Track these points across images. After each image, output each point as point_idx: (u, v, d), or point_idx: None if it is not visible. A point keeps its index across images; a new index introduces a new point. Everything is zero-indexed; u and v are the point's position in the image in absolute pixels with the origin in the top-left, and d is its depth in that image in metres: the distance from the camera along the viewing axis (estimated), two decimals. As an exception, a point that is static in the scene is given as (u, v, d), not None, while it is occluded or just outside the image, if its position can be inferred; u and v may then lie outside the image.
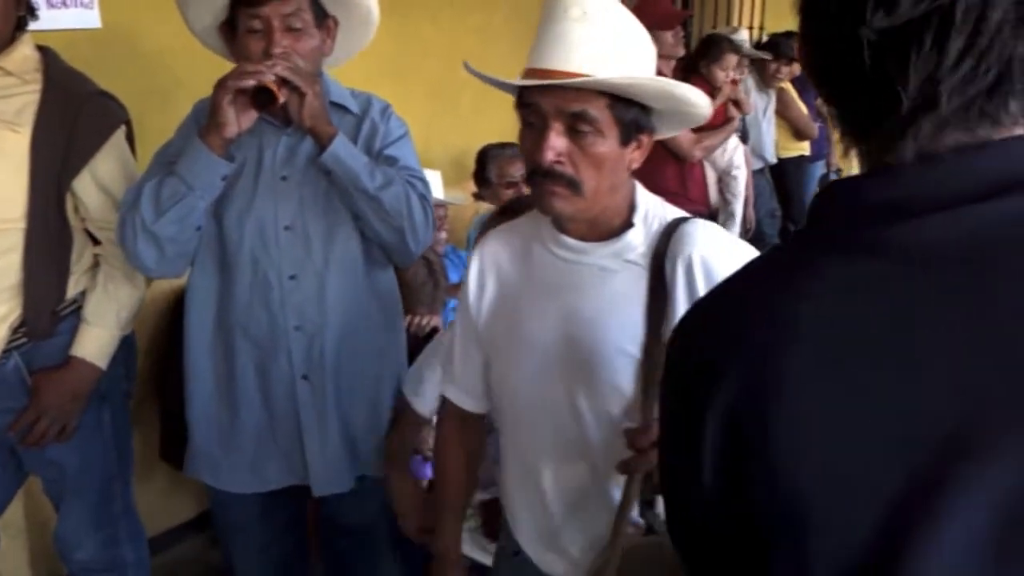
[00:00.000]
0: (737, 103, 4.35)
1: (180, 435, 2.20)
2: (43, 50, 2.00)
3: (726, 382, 0.74)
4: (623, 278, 1.46)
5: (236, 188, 1.98)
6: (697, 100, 1.45)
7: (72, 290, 2.05)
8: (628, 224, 1.48)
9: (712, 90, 4.26)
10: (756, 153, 5.14)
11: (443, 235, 3.27)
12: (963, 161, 0.68)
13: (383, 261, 2.11)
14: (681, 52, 4.30)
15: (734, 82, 4.37)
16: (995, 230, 0.66)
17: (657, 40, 4.42)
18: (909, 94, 0.67)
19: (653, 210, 1.51)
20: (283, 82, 1.83)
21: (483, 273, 1.61)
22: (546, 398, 1.51)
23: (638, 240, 1.47)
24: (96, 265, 2.11)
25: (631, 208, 1.49)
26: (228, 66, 1.90)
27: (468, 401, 1.69)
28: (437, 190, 3.10)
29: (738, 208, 4.54)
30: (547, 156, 1.36)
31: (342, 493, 2.12)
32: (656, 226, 1.48)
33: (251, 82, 1.80)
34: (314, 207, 1.99)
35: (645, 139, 1.45)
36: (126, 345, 2.19)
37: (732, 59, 4.35)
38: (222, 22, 1.95)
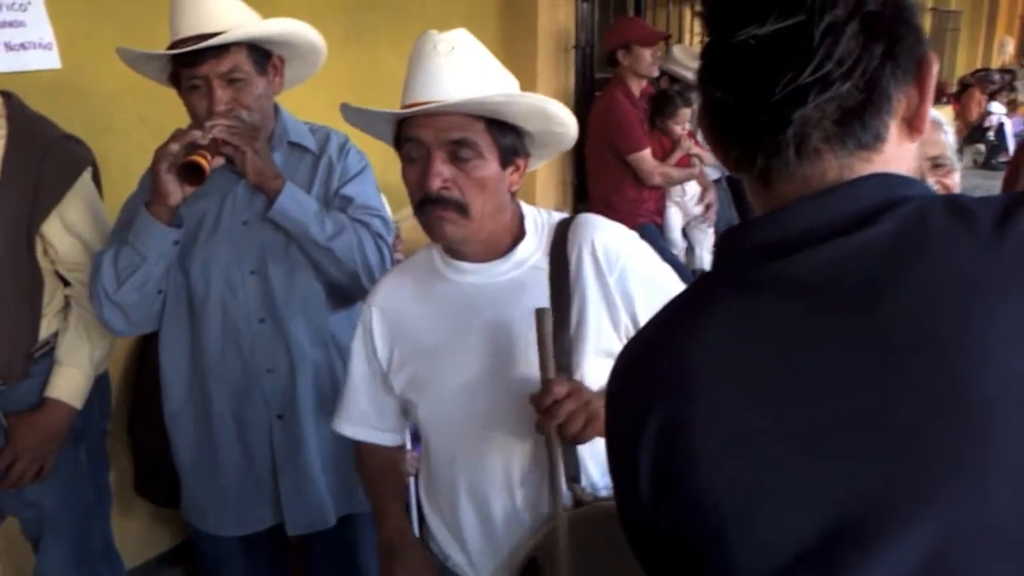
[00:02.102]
0: (698, 155, 4.56)
1: (154, 470, 2.22)
2: (6, 95, 2.02)
3: (652, 418, 0.83)
4: (534, 284, 1.52)
5: (199, 237, 2.00)
6: (566, 120, 1.53)
7: (45, 332, 2.08)
8: (521, 235, 1.55)
9: (671, 143, 4.46)
10: (713, 164, 5.23)
11: (399, 255, 3.30)
12: (835, 195, 0.79)
13: (348, 297, 2.14)
14: (656, 72, 4.43)
15: (691, 134, 4.58)
16: (865, 256, 0.75)
17: (637, 58, 4.56)
18: (780, 85, 0.77)
19: (538, 217, 1.59)
20: (224, 141, 1.84)
21: (385, 322, 1.64)
22: (488, 423, 1.54)
23: (534, 246, 1.55)
24: (67, 306, 2.13)
25: (520, 223, 1.57)
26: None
27: (385, 437, 1.72)
28: (387, 212, 3.15)
29: (705, 258, 4.70)
30: (434, 183, 1.42)
31: (325, 530, 2.14)
32: (546, 228, 1.56)
33: (179, 147, 1.81)
34: (275, 250, 2.01)
35: (522, 163, 1.53)
36: (100, 383, 2.21)
37: (685, 112, 4.55)
38: (170, 73, 1.96)
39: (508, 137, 1.48)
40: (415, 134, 1.44)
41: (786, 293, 0.78)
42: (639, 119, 4.36)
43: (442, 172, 1.43)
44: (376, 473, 1.74)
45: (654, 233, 4.46)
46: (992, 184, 8.05)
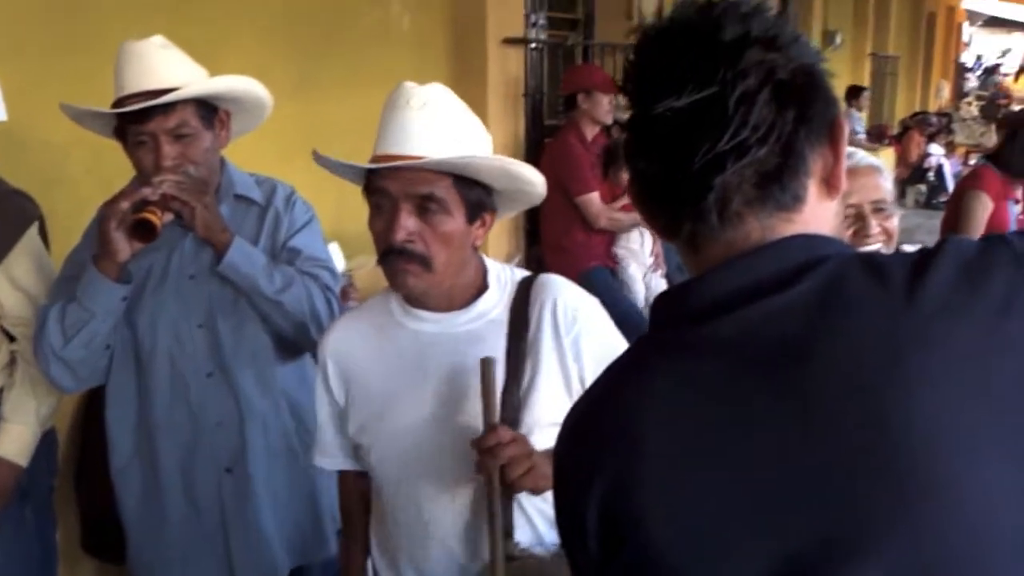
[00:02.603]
0: None
1: (101, 526, 2.18)
2: (-48, 150, 2.00)
3: (599, 479, 0.86)
4: (490, 337, 1.54)
5: (146, 291, 2.00)
6: (533, 179, 1.57)
7: (-10, 388, 2.04)
8: (483, 288, 1.58)
9: (621, 191, 4.52)
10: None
11: (353, 303, 3.30)
12: (759, 258, 0.82)
13: (296, 349, 2.13)
14: (611, 119, 4.52)
15: None
16: (791, 315, 0.79)
17: (595, 103, 4.62)
18: (698, 154, 0.81)
19: (503, 273, 1.62)
20: (173, 197, 1.85)
21: (338, 366, 1.65)
22: (435, 473, 1.55)
23: (495, 300, 1.58)
24: (13, 362, 2.10)
25: (483, 276, 1.59)
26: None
27: (352, 463, 1.72)
28: (339, 261, 3.16)
29: None
30: (399, 235, 1.45)
31: None
32: (509, 285, 1.59)
33: (129, 204, 1.81)
34: (223, 303, 2.01)
35: (488, 218, 1.55)
36: (47, 439, 2.17)
37: None
38: (115, 127, 1.96)
39: (475, 193, 1.50)
40: (383, 186, 1.47)
41: (718, 354, 0.81)
42: (591, 163, 4.43)
43: (407, 225, 1.45)
44: (348, 508, 1.76)
45: (606, 277, 4.50)
46: (933, 223, 8.26)
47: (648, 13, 5.42)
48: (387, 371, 1.59)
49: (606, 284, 4.48)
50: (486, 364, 1.45)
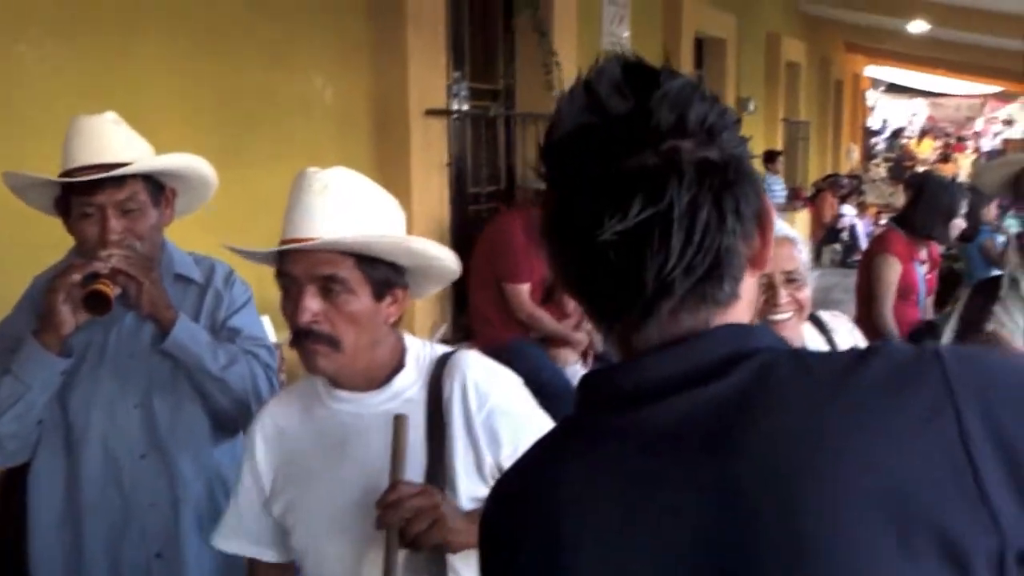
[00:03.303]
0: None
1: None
2: None
3: (521, 557, 0.86)
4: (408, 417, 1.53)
5: (81, 370, 1.95)
6: (439, 254, 1.59)
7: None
8: (400, 367, 1.58)
9: (565, 313, 4.56)
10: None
11: (283, 376, 3.26)
12: (689, 348, 0.81)
13: (233, 428, 2.10)
14: None
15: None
16: (717, 408, 0.78)
17: None
18: (648, 283, 0.79)
19: (421, 350, 1.62)
20: (118, 271, 1.83)
21: (268, 445, 1.64)
22: (356, 555, 1.53)
23: (412, 379, 1.58)
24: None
25: (400, 354, 1.60)
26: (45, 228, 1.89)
27: (266, 553, 1.69)
28: (270, 334, 3.13)
29: None
30: (304, 317, 1.46)
31: None
32: (427, 363, 1.60)
33: (80, 277, 1.80)
34: (161, 384, 1.98)
35: (400, 294, 1.56)
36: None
37: None
38: (57, 199, 1.94)
39: (380, 271, 1.51)
40: (288, 269, 1.49)
41: (641, 443, 0.80)
42: (530, 252, 4.46)
43: (311, 307, 1.46)
44: None
45: (533, 348, 4.52)
46: (848, 282, 8.51)
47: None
48: (312, 451, 1.59)
49: (534, 355, 4.50)
50: (398, 421, 1.46)
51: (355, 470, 1.53)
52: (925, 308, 4.60)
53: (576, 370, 4.60)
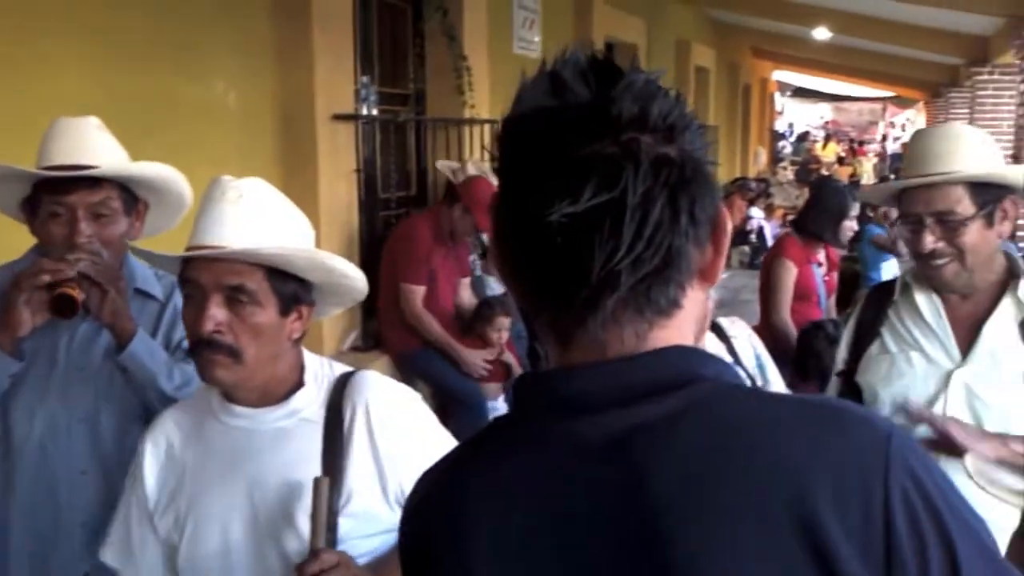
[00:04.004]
0: (511, 365, 4.64)
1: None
2: None
3: (434, 562, 0.84)
4: (301, 436, 1.52)
5: (27, 378, 1.88)
6: (350, 272, 1.57)
7: None
8: (299, 385, 1.55)
9: (487, 345, 4.56)
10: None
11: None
12: (634, 364, 0.79)
13: None
14: (469, 238, 4.62)
15: (509, 344, 4.67)
16: (648, 432, 0.76)
17: (467, 222, 4.64)
18: (595, 271, 0.76)
19: (322, 369, 1.60)
20: (84, 276, 1.78)
21: (157, 458, 1.60)
22: (252, 571, 1.50)
23: (311, 398, 1.55)
24: None
25: (300, 371, 1.57)
26: (23, 232, 1.83)
27: (140, 572, 1.63)
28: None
29: None
30: (207, 326, 1.43)
31: None
32: (326, 383, 1.57)
33: (48, 278, 1.75)
34: (110, 399, 1.91)
35: (305, 311, 1.55)
36: None
37: (504, 321, 4.61)
38: (26, 198, 1.88)
39: (289, 286, 1.49)
40: (194, 276, 1.45)
41: (569, 454, 0.78)
42: (431, 255, 4.43)
43: (215, 316, 1.43)
44: None
45: (434, 356, 4.50)
46: (756, 283, 8.71)
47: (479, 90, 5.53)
48: (202, 467, 1.55)
49: (442, 363, 4.47)
50: (318, 485, 1.41)
51: (246, 487, 1.50)
52: (828, 309, 4.72)
53: (498, 405, 4.59)
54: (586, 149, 0.76)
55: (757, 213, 13.23)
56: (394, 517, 1.52)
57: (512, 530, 0.80)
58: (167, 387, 1.87)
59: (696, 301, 0.83)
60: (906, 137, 25.82)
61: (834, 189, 4.73)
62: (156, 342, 1.93)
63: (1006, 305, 1.97)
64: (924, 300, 2.05)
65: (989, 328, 1.97)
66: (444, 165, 5.12)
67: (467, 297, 4.86)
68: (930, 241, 1.93)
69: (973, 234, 1.91)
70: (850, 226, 4.47)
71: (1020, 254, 4.91)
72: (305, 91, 4.29)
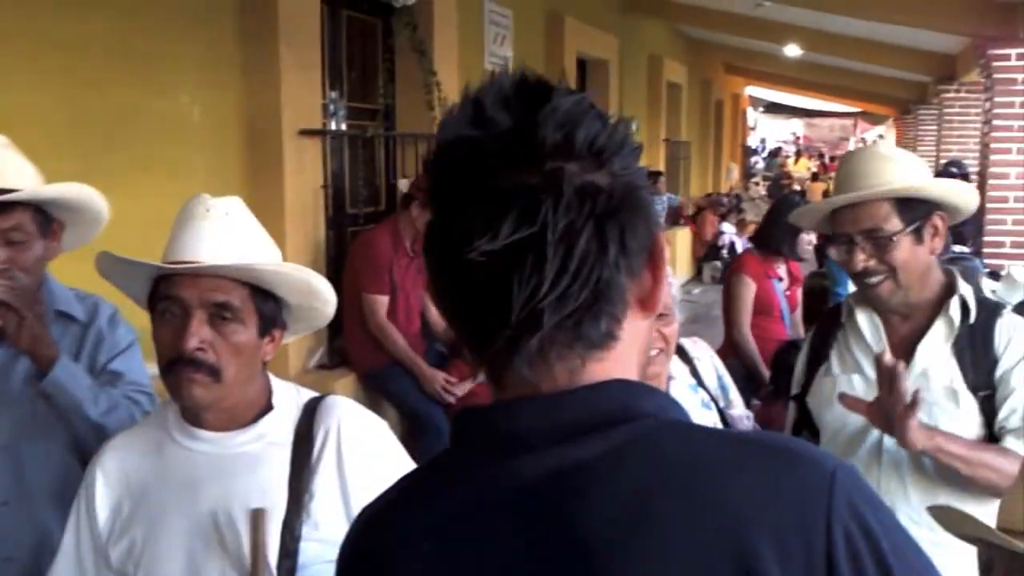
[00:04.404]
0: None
1: None
2: None
3: None
4: (268, 461, 1.49)
5: None
6: (330, 298, 1.56)
7: None
8: (267, 408, 1.53)
9: (465, 375, 4.50)
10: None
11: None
12: (572, 399, 0.76)
13: None
14: None
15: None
16: (584, 472, 0.74)
17: (424, 216, 4.58)
18: (515, 311, 0.73)
19: (289, 392, 1.57)
20: (1, 303, 1.73)
21: (108, 486, 1.55)
22: None
23: (279, 422, 1.52)
24: None
25: (268, 395, 1.55)
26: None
27: None
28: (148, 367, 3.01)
29: None
30: (190, 343, 1.40)
31: None
32: (295, 407, 1.54)
33: None
34: (31, 428, 1.85)
35: (278, 334, 1.53)
36: None
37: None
38: None
39: (269, 306, 1.48)
40: (175, 292, 1.41)
41: (504, 492, 0.76)
42: (389, 266, 4.38)
43: (199, 333, 1.40)
44: None
45: (399, 374, 4.46)
46: (728, 299, 8.76)
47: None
48: (159, 492, 1.50)
49: (406, 382, 4.43)
50: (256, 517, 1.39)
51: (211, 514, 1.46)
52: (795, 323, 4.73)
53: None
54: (506, 181, 0.72)
55: (729, 228, 13.30)
56: None
57: (445, 570, 0.77)
58: (93, 413, 1.82)
59: (637, 331, 0.80)
60: (876, 153, 26.08)
61: (789, 203, 4.77)
62: (80, 366, 1.87)
63: (938, 325, 1.98)
64: (865, 321, 2.06)
65: (922, 348, 1.98)
66: (405, 184, 5.09)
67: (436, 311, 4.79)
68: (861, 259, 1.94)
69: (903, 251, 1.92)
70: (808, 239, 4.48)
71: (986, 270, 4.95)
72: (272, 106, 4.26)
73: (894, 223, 1.91)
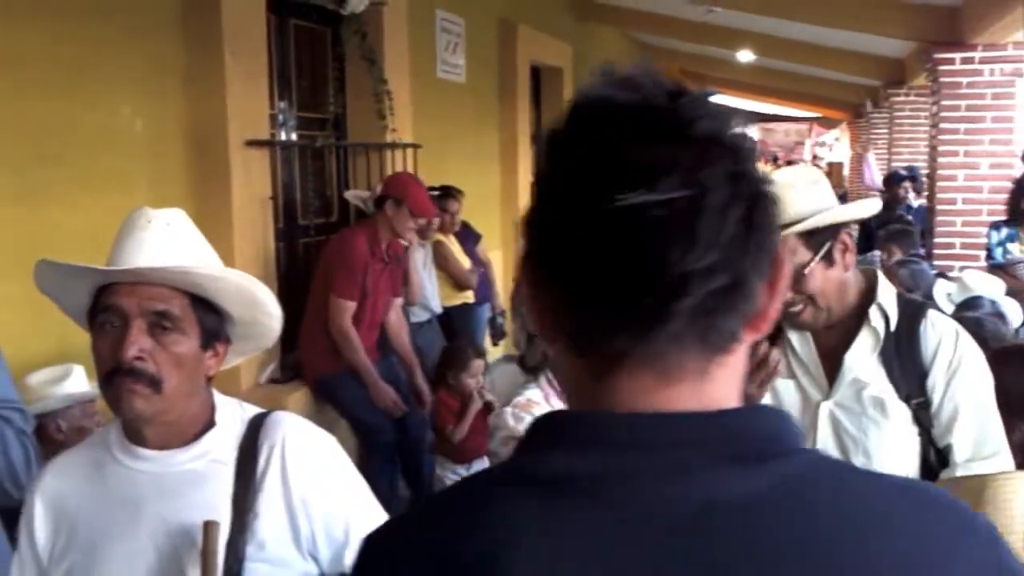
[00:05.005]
0: (489, 404, 4.29)
1: None
2: None
3: None
4: (212, 479, 1.45)
5: None
6: (273, 311, 1.53)
7: None
8: (210, 425, 1.50)
9: (462, 401, 4.37)
10: (422, 305, 5.31)
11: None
12: (732, 416, 0.71)
13: None
14: (410, 239, 4.51)
15: (482, 388, 4.39)
16: (741, 514, 0.68)
17: (400, 216, 4.48)
18: (669, 270, 0.68)
19: (233, 408, 1.54)
20: None
21: (48, 509, 1.51)
22: None
23: (222, 439, 1.49)
24: None
25: (211, 411, 1.51)
26: None
27: None
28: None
29: None
30: (129, 352, 1.36)
31: None
32: (239, 423, 1.51)
33: None
34: None
35: (221, 349, 1.50)
36: None
37: (479, 364, 4.39)
38: None
39: (211, 318, 1.45)
40: (115, 302, 1.38)
41: (640, 520, 0.68)
42: (364, 271, 4.32)
43: (139, 342, 1.37)
44: None
45: (352, 384, 4.40)
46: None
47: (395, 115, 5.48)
48: (100, 514, 1.46)
49: (353, 390, 4.37)
50: (208, 528, 1.35)
51: (152, 533, 1.42)
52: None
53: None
54: (665, 146, 0.69)
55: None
56: (305, 564, 1.48)
57: None
58: None
59: (744, 350, 0.75)
60: (832, 155, 26.44)
61: None
62: None
63: (863, 336, 1.97)
64: (795, 334, 2.06)
65: (849, 358, 1.97)
66: (353, 195, 5.04)
67: (394, 318, 4.75)
68: None
69: (817, 279, 1.90)
70: None
71: (934, 272, 4.99)
72: (217, 117, 4.19)
73: (802, 255, 1.89)
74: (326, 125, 5.48)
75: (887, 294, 1.98)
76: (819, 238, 1.90)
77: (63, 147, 3.56)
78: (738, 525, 0.67)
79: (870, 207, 2.09)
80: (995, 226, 5.23)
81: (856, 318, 1.99)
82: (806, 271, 1.89)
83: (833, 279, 1.93)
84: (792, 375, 2.06)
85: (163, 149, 4.06)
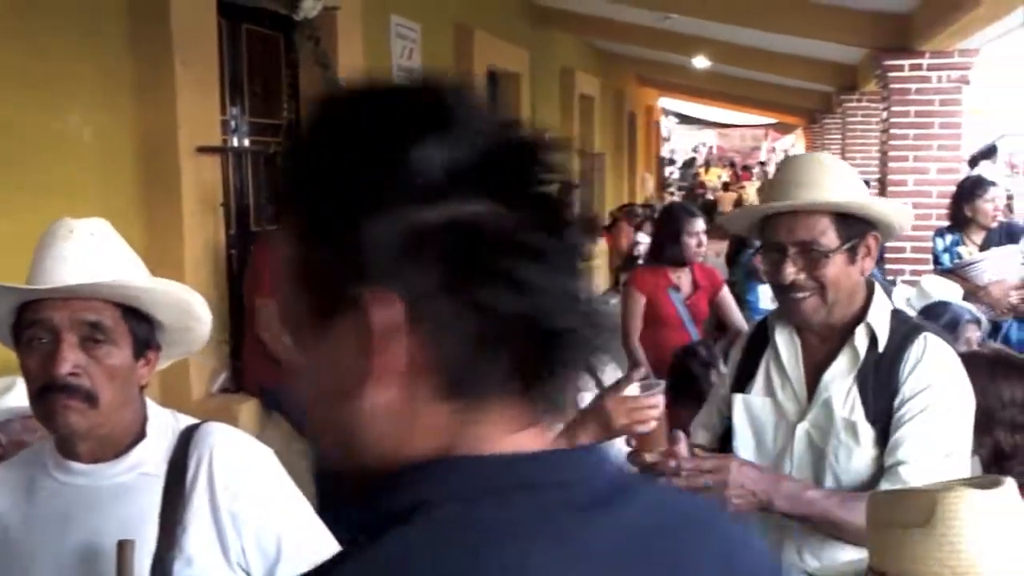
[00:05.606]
0: None
1: None
2: None
3: None
4: (142, 492, 1.43)
5: None
6: (204, 316, 1.52)
7: None
8: (140, 437, 1.47)
9: None
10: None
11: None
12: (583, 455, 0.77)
13: None
14: None
15: None
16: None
17: None
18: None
19: (165, 420, 1.51)
20: None
21: None
22: None
23: (153, 451, 1.47)
24: None
25: (143, 422, 1.49)
26: None
27: None
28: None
29: None
30: (62, 368, 1.34)
31: None
32: (170, 435, 1.49)
33: None
34: None
35: (153, 357, 1.48)
36: None
37: None
38: None
39: (143, 327, 1.43)
40: (43, 316, 1.35)
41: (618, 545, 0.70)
42: None
43: (71, 357, 1.34)
44: None
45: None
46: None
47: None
48: (26, 530, 1.43)
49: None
50: (123, 548, 1.33)
51: (81, 550, 1.39)
52: (709, 329, 4.76)
53: None
54: None
55: (644, 238, 13.41)
56: None
57: None
58: None
59: None
60: (786, 161, 26.74)
61: (668, 211, 4.87)
62: None
63: (843, 356, 1.90)
64: (784, 343, 1.98)
65: (827, 377, 1.90)
66: None
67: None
68: (791, 272, 1.84)
69: (835, 268, 1.84)
70: (691, 242, 4.48)
71: (890, 278, 5.05)
72: (167, 124, 4.13)
73: (831, 238, 1.83)
74: (279, 131, 5.43)
75: (880, 313, 1.90)
76: (850, 229, 1.85)
77: (7, 155, 3.49)
78: (654, 545, 0.71)
79: (907, 218, 1.99)
80: (939, 233, 5.30)
81: (846, 335, 1.91)
82: (829, 255, 1.83)
83: (850, 277, 1.87)
84: (769, 392, 1.98)
85: (113, 156, 4.00)
